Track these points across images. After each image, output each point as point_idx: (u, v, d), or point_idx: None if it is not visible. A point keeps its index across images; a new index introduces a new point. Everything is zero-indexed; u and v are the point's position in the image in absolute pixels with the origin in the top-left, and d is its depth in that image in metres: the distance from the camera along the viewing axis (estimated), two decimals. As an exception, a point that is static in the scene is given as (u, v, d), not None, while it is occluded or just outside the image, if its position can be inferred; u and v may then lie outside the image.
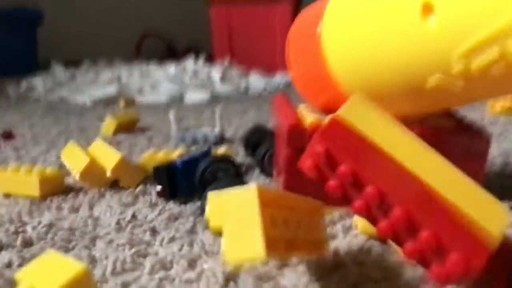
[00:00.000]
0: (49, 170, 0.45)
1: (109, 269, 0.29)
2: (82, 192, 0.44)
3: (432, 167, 0.21)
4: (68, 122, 0.86)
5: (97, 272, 0.28)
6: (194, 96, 1.14)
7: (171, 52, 2.51)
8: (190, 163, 0.41)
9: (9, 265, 0.30)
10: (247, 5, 1.77)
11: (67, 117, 0.93)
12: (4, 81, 1.47)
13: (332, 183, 0.23)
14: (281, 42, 1.79)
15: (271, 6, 1.76)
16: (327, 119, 0.37)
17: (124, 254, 0.30)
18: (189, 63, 1.54)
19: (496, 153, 0.54)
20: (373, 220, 0.22)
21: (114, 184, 0.45)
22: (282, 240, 0.21)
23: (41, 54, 2.09)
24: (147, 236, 0.34)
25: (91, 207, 0.40)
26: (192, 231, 0.34)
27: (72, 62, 1.73)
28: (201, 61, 1.59)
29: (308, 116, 0.37)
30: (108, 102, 1.13)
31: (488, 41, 0.23)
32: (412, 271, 0.27)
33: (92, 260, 0.30)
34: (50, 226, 0.36)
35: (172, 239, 0.33)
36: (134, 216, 0.37)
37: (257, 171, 0.49)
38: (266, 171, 0.47)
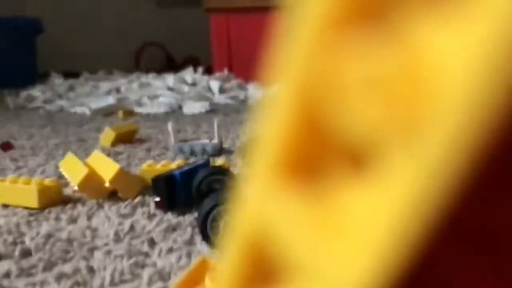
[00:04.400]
0: (48, 181, 0.45)
1: (107, 280, 0.29)
2: (81, 203, 0.44)
3: None
4: (66, 133, 0.87)
5: (95, 283, 0.28)
6: (193, 107, 1.14)
7: (170, 63, 2.52)
8: (188, 174, 0.42)
9: (7, 275, 0.30)
10: (247, 14, 1.79)
11: (66, 128, 0.94)
12: (3, 91, 1.48)
13: None
14: (280, 53, 1.80)
15: (270, 15, 1.77)
16: None
17: (122, 265, 0.31)
18: (188, 74, 1.54)
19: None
20: None
21: (113, 195, 0.45)
22: None
23: (41, 66, 2.09)
24: (145, 247, 0.34)
25: (89, 218, 0.40)
26: (190, 242, 0.34)
27: (71, 73, 1.74)
28: (200, 72, 1.60)
29: None
30: (107, 113, 1.13)
31: None
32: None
33: (90, 271, 0.30)
34: (48, 236, 0.36)
35: (170, 250, 0.33)
36: (132, 227, 0.38)
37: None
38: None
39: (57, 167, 0.58)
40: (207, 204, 0.33)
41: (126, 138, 0.75)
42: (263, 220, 0.08)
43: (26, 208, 0.42)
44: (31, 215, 0.41)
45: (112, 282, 0.29)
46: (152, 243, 0.35)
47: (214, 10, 1.81)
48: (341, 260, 0.07)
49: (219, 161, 0.55)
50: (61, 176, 0.52)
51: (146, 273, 0.29)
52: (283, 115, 0.07)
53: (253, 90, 1.45)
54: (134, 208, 0.42)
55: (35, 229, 0.38)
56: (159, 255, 0.32)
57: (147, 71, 1.83)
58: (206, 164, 0.45)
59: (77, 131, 0.89)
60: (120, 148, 0.71)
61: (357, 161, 0.07)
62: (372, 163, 0.07)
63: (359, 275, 0.06)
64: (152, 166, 0.50)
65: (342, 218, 0.07)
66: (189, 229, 0.36)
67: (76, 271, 0.30)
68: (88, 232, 0.37)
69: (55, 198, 0.44)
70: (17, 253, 0.33)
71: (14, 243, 0.35)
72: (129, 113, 1.10)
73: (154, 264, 0.31)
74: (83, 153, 0.68)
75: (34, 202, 0.42)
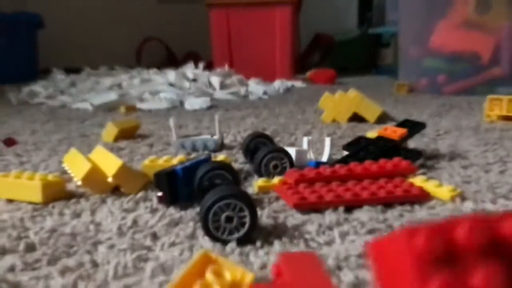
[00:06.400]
0: (51, 176, 0.45)
1: (110, 273, 0.29)
2: (84, 198, 0.45)
3: None
4: (69, 129, 0.87)
5: (99, 277, 0.29)
6: (194, 102, 1.15)
7: (170, 59, 2.52)
8: (190, 170, 0.42)
9: (12, 269, 0.30)
10: (247, 9, 1.78)
11: (69, 123, 0.94)
12: (5, 87, 1.48)
13: None
14: (280, 46, 1.80)
15: (270, 10, 1.77)
16: None
17: (126, 259, 0.31)
18: (189, 70, 1.54)
19: (491, 160, 0.54)
20: None
21: (115, 190, 0.46)
22: None
23: (42, 61, 2.09)
24: (148, 241, 0.34)
25: (92, 213, 0.41)
26: (192, 236, 0.35)
27: (73, 69, 1.74)
28: (200, 68, 1.60)
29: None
30: (109, 109, 1.14)
31: None
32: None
33: (94, 265, 0.31)
34: (52, 231, 0.36)
35: (172, 244, 0.33)
36: (135, 221, 0.38)
37: (255, 177, 0.50)
38: (263, 177, 0.48)
39: (60, 163, 0.58)
40: (209, 198, 0.33)
41: (128, 134, 0.75)
42: None
43: (30, 203, 0.43)
44: (35, 210, 0.42)
45: (115, 276, 0.29)
46: (154, 237, 0.35)
47: (214, 5, 1.80)
48: None
49: (220, 156, 0.55)
50: (64, 171, 0.53)
51: (149, 267, 0.30)
52: None
53: (253, 86, 1.45)
54: (137, 203, 0.43)
55: (39, 224, 0.38)
56: (162, 249, 0.33)
57: (148, 66, 1.83)
58: (208, 159, 0.46)
59: (79, 127, 0.89)
60: (122, 143, 0.71)
61: None
62: None
63: None
64: (154, 162, 0.51)
65: None
66: (191, 224, 0.37)
67: (80, 265, 0.31)
68: (91, 227, 0.37)
69: (58, 193, 0.45)
70: (21, 247, 0.33)
71: (19, 238, 0.35)
72: (131, 109, 1.10)
73: (157, 258, 0.31)
74: (86, 149, 0.68)
75: (38, 197, 0.43)
